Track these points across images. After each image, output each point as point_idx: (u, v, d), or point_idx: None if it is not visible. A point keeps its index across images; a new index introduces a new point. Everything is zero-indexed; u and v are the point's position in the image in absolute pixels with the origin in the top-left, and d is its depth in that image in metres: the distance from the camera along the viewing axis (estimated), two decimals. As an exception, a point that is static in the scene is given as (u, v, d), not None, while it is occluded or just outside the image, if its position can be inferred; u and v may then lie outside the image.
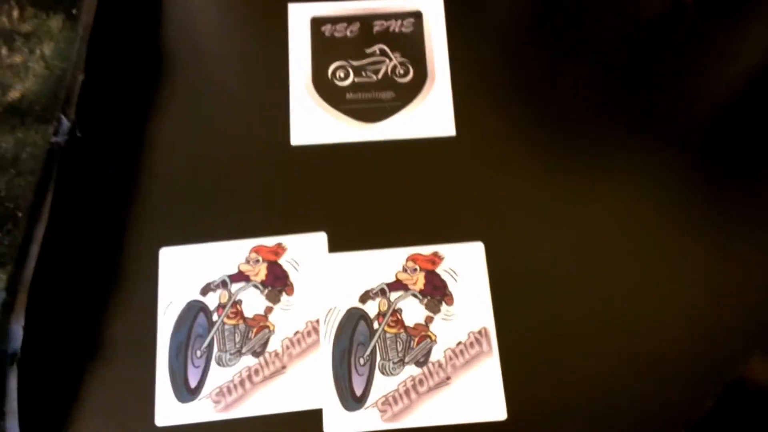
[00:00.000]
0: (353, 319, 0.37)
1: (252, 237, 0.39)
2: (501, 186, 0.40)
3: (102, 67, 0.42)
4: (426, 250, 0.39)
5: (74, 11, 0.38)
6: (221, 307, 0.37)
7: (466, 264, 0.38)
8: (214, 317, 0.37)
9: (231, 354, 0.36)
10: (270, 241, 0.39)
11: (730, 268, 0.39)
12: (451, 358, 0.36)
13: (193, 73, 0.43)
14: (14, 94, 0.36)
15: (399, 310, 0.37)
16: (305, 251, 0.39)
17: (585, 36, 0.44)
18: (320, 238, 0.39)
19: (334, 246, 0.39)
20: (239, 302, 0.37)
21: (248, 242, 0.39)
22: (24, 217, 0.34)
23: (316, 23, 0.44)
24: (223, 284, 0.38)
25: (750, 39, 0.44)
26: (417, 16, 0.44)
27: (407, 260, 0.39)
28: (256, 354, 0.36)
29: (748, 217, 0.40)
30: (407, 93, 0.43)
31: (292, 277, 0.38)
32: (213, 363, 0.36)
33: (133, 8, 0.44)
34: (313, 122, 0.42)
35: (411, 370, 0.36)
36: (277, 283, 0.38)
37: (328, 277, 0.38)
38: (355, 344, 0.37)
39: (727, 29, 0.44)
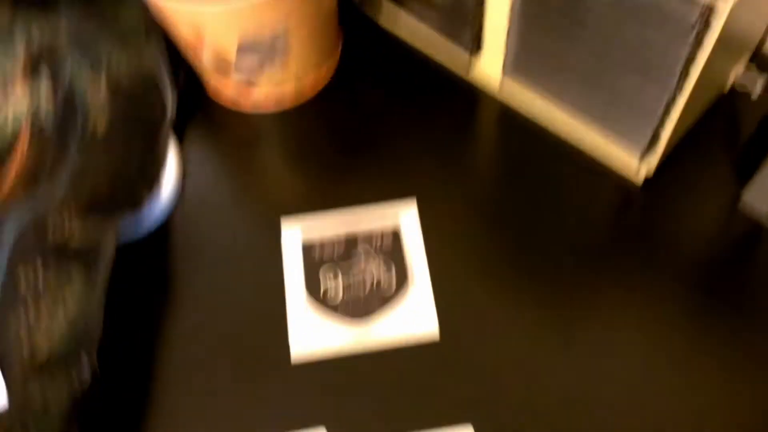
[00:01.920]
0: None
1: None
2: (488, 379, 0.44)
3: (114, 301, 0.46)
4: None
5: (93, 273, 0.43)
6: None
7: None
8: None
9: None
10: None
11: (716, 406, 0.41)
12: None
13: (200, 302, 0.47)
14: (42, 355, 0.40)
15: None
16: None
17: (551, 224, 0.49)
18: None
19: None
20: None
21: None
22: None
23: (307, 248, 0.50)
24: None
25: (695, 218, 0.49)
26: (395, 232, 0.50)
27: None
28: None
29: (730, 355, 0.43)
30: (392, 297, 0.47)
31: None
32: None
33: (142, 247, 0.50)
34: (310, 335, 0.46)
35: None
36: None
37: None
38: None
39: (673, 211, 0.49)
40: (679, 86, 0.44)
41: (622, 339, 0.44)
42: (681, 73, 0.43)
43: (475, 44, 0.53)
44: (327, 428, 0.42)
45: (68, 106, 0.53)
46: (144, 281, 0.48)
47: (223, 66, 0.53)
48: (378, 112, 0.55)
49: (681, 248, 0.47)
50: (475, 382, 0.43)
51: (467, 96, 0.55)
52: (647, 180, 0.50)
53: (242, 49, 0.51)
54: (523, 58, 0.50)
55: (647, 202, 0.49)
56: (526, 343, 0.44)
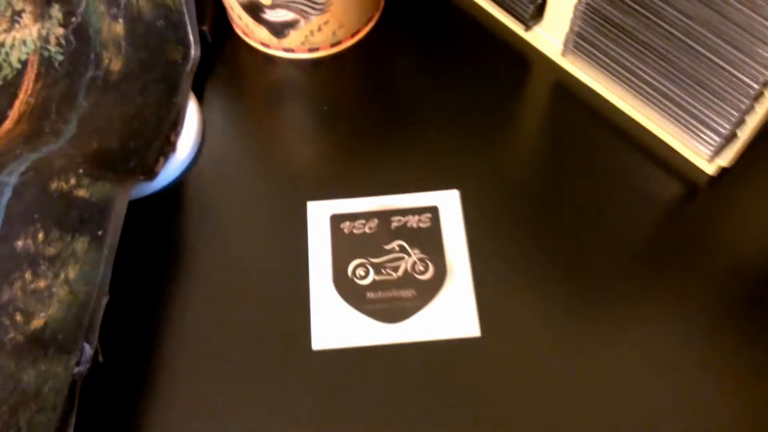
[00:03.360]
0: None
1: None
2: (530, 387, 0.40)
3: (120, 276, 0.42)
4: (454, 462, 0.38)
5: (100, 232, 0.38)
6: None
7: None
8: None
9: None
10: (294, 456, 0.38)
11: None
12: None
13: (213, 276, 0.43)
14: (38, 323, 0.36)
15: None
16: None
17: (601, 215, 0.44)
18: (345, 451, 0.38)
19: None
20: None
21: (271, 457, 0.38)
22: (45, 457, 0.33)
23: (336, 220, 0.45)
24: None
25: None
26: (433, 211, 0.45)
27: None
28: None
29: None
30: (428, 290, 0.43)
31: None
32: None
33: (151, 207, 0.45)
34: (335, 324, 0.42)
35: None
36: None
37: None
38: None
39: (739, 215, 0.44)
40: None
41: (666, 354, 0.40)
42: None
43: (535, 10, 0.48)
44: None
45: (81, 40, 0.47)
46: (149, 246, 0.43)
47: (256, 7, 0.47)
48: (420, 74, 0.50)
49: (739, 258, 0.43)
50: (518, 401, 0.39)
51: (521, 67, 0.50)
52: (716, 177, 0.45)
53: (279, -8, 0.45)
54: (589, 30, 0.45)
55: (712, 202, 0.45)
56: (568, 350, 0.40)
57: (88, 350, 0.36)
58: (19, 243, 0.38)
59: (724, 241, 0.43)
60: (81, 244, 0.38)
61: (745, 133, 0.42)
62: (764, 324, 0.41)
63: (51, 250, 0.38)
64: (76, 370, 0.35)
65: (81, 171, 0.40)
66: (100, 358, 0.37)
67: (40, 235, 0.38)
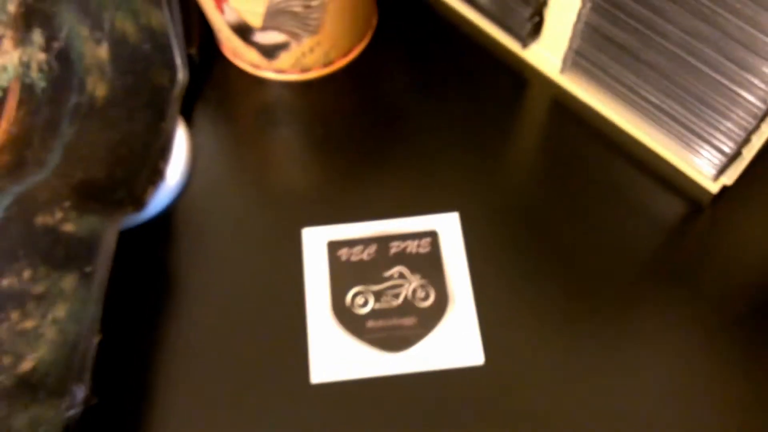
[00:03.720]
0: None
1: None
2: (537, 415, 0.39)
3: (110, 310, 0.41)
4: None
5: (88, 269, 0.37)
6: None
7: None
8: None
9: None
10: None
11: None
12: None
13: (206, 308, 0.42)
14: (27, 365, 0.34)
15: None
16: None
17: (603, 235, 0.43)
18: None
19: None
20: None
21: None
22: None
23: (333, 247, 0.44)
24: None
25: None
26: (433, 235, 0.44)
27: None
28: None
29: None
30: (430, 318, 0.41)
31: None
32: None
33: (140, 237, 0.44)
34: (334, 356, 0.40)
35: None
36: None
37: None
38: None
39: (742, 234, 0.44)
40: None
41: (672, 376, 0.39)
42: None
43: (533, 28, 0.47)
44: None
45: (64, 65, 0.46)
46: (138, 279, 0.42)
47: (245, 29, 0.46)
48: (416, 93, 0.49)
49: (742, 276, 0.42)
50: (523, 421, 0.38)
51: (519, 85, 0.49)
52: (718, 195, 0.44)
53: (270, 14, 0.44)
54: (589, 47, 0.44)
55: (715, 220, 0.44)
56: (575, 376, 0.39)
57: (80, 392, 0.34)
58: (5, 281, 0.36)
59: (727, 259, 0.43)
60: (69, 281, 0.36)
61: (750, 153, 0.41)
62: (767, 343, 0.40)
63: (38, 288, 0.36)
64: (69, 413, 0.33)
65: (67, 204, 0.39)
66: (94, 400, 0.35)
67: (27, 273, 0.36)
